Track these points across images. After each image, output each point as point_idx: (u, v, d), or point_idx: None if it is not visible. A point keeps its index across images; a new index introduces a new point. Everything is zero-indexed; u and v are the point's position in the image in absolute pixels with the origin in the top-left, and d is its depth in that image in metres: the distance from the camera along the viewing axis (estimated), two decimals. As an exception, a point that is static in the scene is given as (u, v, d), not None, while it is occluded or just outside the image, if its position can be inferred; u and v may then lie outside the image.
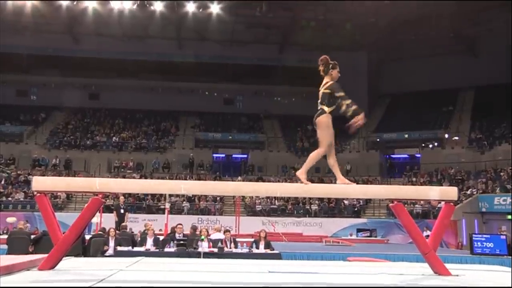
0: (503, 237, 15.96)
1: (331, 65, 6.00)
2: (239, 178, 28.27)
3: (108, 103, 34.79)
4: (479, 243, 15.58)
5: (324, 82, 6.00)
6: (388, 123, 33.26)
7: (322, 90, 5.95)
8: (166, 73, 34.98)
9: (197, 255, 10.93)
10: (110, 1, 29.43)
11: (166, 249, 11.81)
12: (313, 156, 5.84)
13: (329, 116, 5.84)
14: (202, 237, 11.74)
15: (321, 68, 6.04)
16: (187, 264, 7.16)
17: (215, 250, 11.62)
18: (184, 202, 25.31)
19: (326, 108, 5.87)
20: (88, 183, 6.00)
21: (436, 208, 22.16)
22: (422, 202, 23.11)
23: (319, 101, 5.94)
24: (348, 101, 5.72)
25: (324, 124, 5.84)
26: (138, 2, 29.51)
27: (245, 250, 12.13)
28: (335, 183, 6.19)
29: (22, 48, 33.41)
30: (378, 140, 32.28)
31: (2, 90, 31.76)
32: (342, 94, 5.80)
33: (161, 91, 35.54)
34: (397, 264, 8.52)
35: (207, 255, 11.04)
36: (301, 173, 5.79)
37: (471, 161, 28.32)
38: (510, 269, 6.66)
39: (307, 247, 17.05)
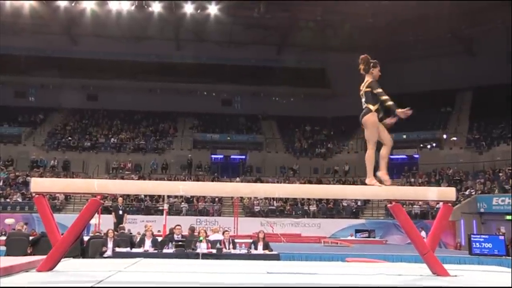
0: (501, 237, 15.98)
1: (372, 64, 6.09)
2: (238, 179, 28.27)
3: (107, 104, 34.74)
4: (477, 244, 15.60)
5: (365, 80, 6.09)
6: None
7: (363, 89, 6.06)
8: (164, 74, 34.92)
9: (196, 256, 10.94)
10: (108, 2, 29.40)
11: (165, 250, 11.80)
12: (369, 159, 6.05)
13: (374, 114, 5.98)
14: (201, 238, 11.75)
15: (361, 66, 6.14)
16: (186, 265, 7.16)
17: (214, 251, 11.62)
18: (183, 203, 25.30)
19: (371, 107, 5.97)
20: (87, 184, 6.00)
21: (435, 209, 22.17)
22: (420, 202, 23.17)
23: (363, 100, 6.04)
24: (385, 97, 5.82)
25: (370, 124, 6.00)
26: (136, 3, 29.48)
27: (244, 251, 12.12)
28: (333, 183, 6.27)
29: (20, 49, 33.35)
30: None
31: (0, 91, 31.69)
32: (380, 91, 5.91)
33: (159, 92, 35.51)
34: (395, 265, 8.53)
35: (206, 256, 11.04)
36: (369, 181, 5.96)
37: (470, 161, 28.35)
38: (508, 269, 6.67)
39: (305, 248, 17.07)
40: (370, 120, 5.98)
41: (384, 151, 6.13)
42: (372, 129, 6.00)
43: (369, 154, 6.05)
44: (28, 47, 33.32)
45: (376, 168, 6.05)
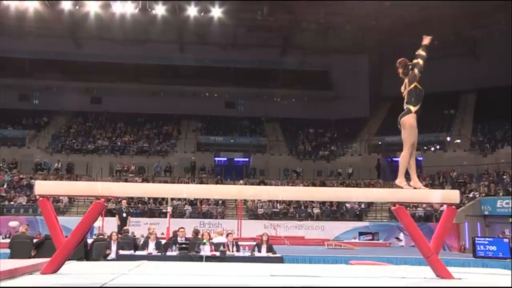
0: (506, 240, 15.91)
1: (410, 66, 6.10)
2: (241, 181, 28.23)
3: (110, 107, 34.82)
4: (481, 246, 15.53)
5: (404, 83, 6.10)
6: (389, 126, 33.08)
7: (406, 89, 6.04)
8: (168, 77, 35.01)
9: (199, 258, 10.95)
10: (112, 4, 29.44)
11: (168, 253, 11.82)
12: (402, 160, 6.06)
13: (414, 116, 5.98)
14: (204, 240, 11.76)
15: (400, 70, 6.15)
16: (189, 267, 7.16)
17: (217, 253, 11.62)
18: (186, 206, 25.30)
19: (412, 108, 5.96)
20: (91, 187, 6.03)
21: (438, 211, 22.12)
22: (424, 205, 23.11)
23: (405, 101, 6.02)
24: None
25: (408, 125, 5.99)
26: (140, 5, 29.51)
27: (247, 254, 12.13)
28: (336, 186, 6.27)
29: (25, 52, 33.44)
30: (379, 143, 32.22)
31: (4, 94, 31.79)
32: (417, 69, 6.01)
33: (162, 95, 35.57)
34: (399, 267, 8.52)
35: (209, 258, 11.05)
36: (400, 181, 5.95)
37: (473, 164, 28.24)
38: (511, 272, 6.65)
39: (309, 251, 17.05)
40: (408, 121, 5.97)
41: (411, 160, 6.13)
42: (410, 131, 5.97)
43: (404, 155, 6.00)
44: (32, 50, 33.43)
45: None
